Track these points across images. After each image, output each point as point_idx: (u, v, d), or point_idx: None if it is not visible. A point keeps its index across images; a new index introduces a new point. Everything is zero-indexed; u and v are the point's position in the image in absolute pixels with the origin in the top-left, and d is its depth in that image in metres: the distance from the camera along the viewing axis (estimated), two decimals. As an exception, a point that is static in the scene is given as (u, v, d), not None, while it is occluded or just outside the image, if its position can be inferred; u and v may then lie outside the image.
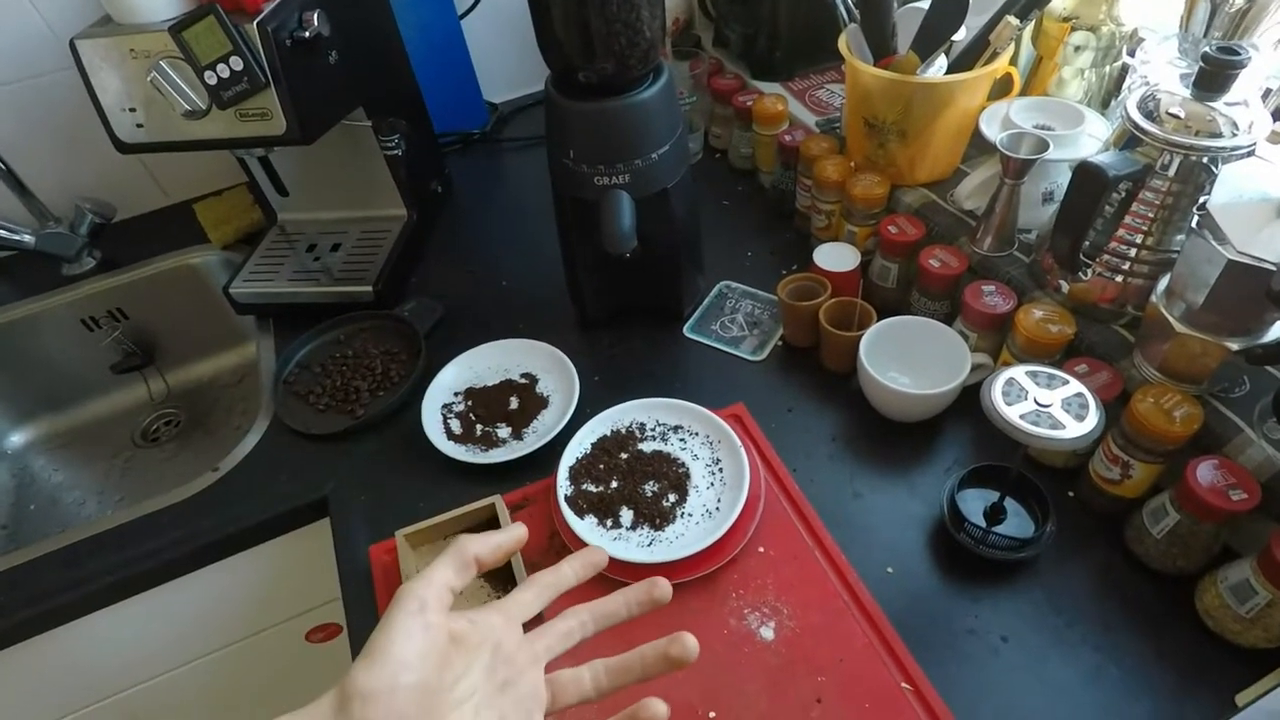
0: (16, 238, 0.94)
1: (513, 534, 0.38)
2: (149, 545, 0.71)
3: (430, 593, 0.33)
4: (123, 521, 0.73)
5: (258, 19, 0.67)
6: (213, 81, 0.68)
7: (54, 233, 0.96)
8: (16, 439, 1.02)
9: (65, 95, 0.94)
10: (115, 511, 0.90)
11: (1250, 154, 0.54)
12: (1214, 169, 0.54)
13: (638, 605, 0.39)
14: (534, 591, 0.38)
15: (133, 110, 0.73)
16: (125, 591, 0.72)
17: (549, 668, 0.37)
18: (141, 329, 1.03)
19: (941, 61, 0.74)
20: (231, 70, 0.67)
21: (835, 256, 0.77)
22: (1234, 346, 0.54)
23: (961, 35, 0.71)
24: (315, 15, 0.70)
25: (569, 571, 0.39)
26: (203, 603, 0.79)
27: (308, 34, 0.70)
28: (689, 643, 0.37)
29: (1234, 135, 0.53)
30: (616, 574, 0.61)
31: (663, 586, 0.39)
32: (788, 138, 0.88)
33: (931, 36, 0.71)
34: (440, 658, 0.32)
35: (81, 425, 1.04)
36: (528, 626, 0.37)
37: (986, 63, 0.70)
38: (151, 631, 0.80)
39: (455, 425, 0.75)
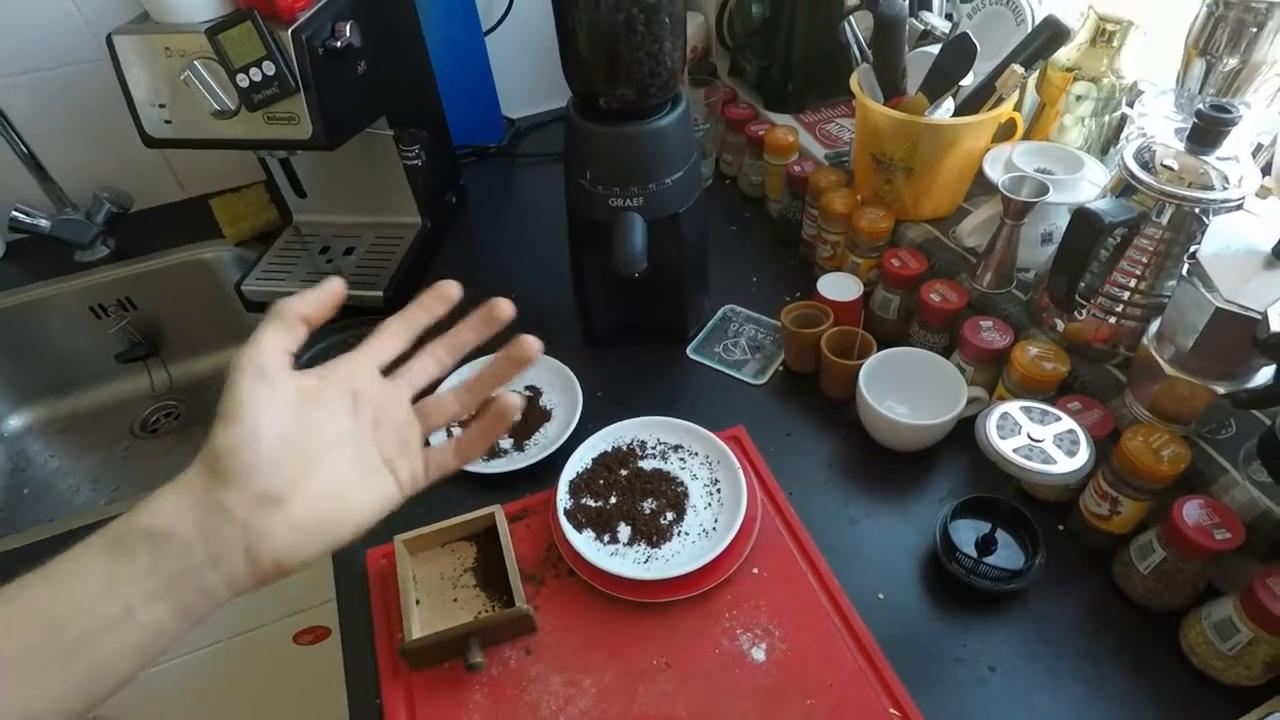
0: (33, 221, 0.95)
1: (330, 288, 0.37)
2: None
3: (264, 357, 0.34)
4: (118, 512, 0.72)
5: (292, 27, 0.69)
6: (244, 84, 0.70)
7: (70, 219, 0.98)
8: (15, 422, 1.02)
9: (93, 86, 0.96)
10: (109, 502, 0.90)
11: (1239, 207, 0.56)
12: (1205, 220, 0.56)
13: (482, 324, 0.39)
14: (386, 334, 0.38)
15: (162, 106, 0.74)
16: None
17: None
18: (149, 320, 1.03)
19: (949, 104, 0.77)
20: (264, 74, 0.69)
21: (838, 286, 0.79)
22: (1221, 390, 0.55)
23: (969, 80, 0.74)
24: (348, 26, 0.73)
25: (419, 311, 0.39)
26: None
27: (339, 44, 0.72)
28: (528, 341, 0.40)
29: (1225, 189, 0.56)
30: (613, 589, 0.62)
31: (501, 305, 0.39)
32: (797, 168, 0.90)
33: (940, 80, 0.74)
34: (294, 410, 0.33)
35: (82, 412, 1.04)
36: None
37: (992, 107, 0.73)
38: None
39: (458, 434, 0.75)
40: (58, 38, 0.93)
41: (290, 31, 0.69)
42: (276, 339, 0.34)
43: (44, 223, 0.96)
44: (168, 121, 0.75)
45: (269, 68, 0.69)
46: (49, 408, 1.04)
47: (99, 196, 0.99)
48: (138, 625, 0.30)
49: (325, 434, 0.34)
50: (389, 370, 0.39)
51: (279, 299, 0.36)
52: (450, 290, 0.40)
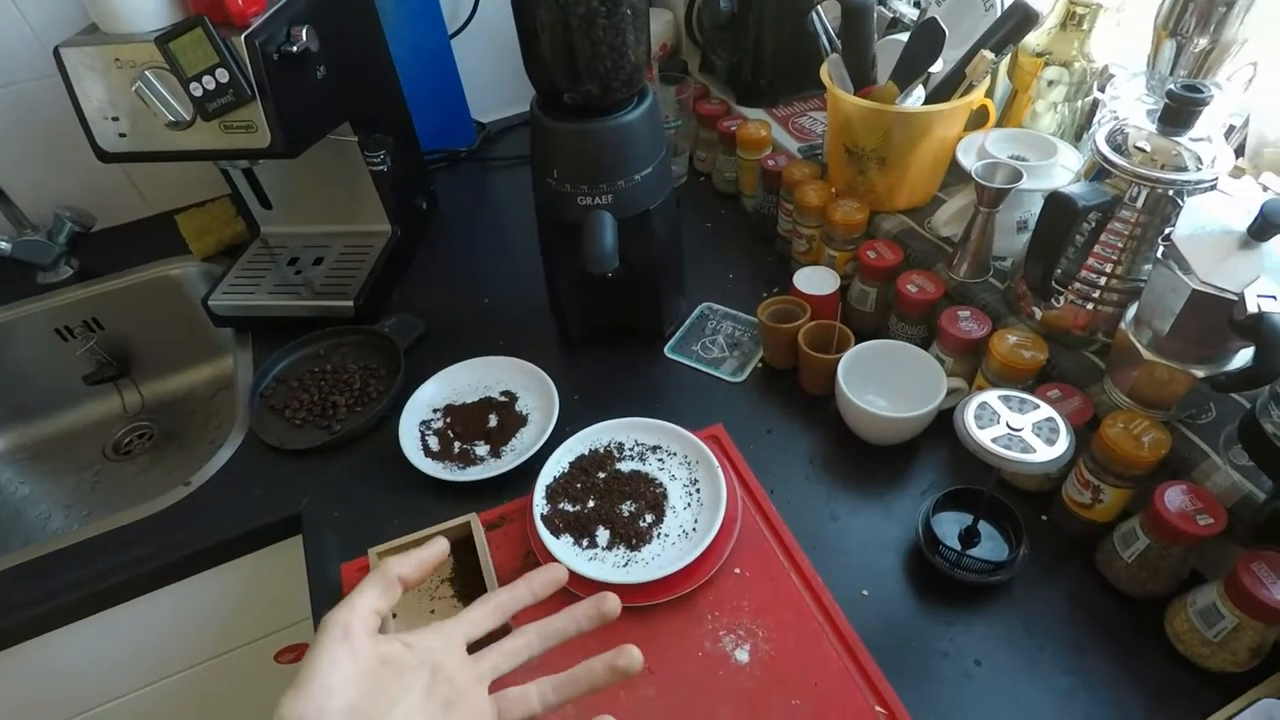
0: (-8, 245, 0.93)
1: (434, 549, 0.38)
2: (115, 560, 0.69)
3: (355, 618, 0.33)
4: (89, 535, 0.71)
5: (245, 32, 0.67)
6: (198, 93, 0.68)
7: (31, 240, 0.95)
8: (-17, 449, 1.00)
9: (48, 102, 0.93)
10: (81, 526, 0.88)
11: (1213, 188, 0.55)
12: (1179, 201, 0.56)
13: (586, 620, 0.38)
14: (484, 610, 0.38)
15: (116, 119, 0.72)
16: (90, 608, 0.70)
17: (496, 686, 0.37)
18: (117, 340, 1.01)
19: (920, 92, 0.76)
20: (217, 82, 0.67)
21: (815, 280, 0.78)
22: (1200, 374, 0.55)
23: (939, 67, 0.73)
24: (304, 30, 0.71)
25: (524, 590, 0.39)
26: (170, 620, 0.77)
27: (295, 48, 0.70)
28: (634, 655, 0.37)
29: (1198, 169, 0.55)
30: (591, 594, 0.60)
31: (611, 602, 0.38)
32: (770, 163, 0.89)
33: (910, 68, 0.73)
34: (371, 681, 0.32)
35: (51, 437, 1.02)
36: (477, 647, 0.37)
37: (963, 94, 0.72)
38: (115, 649, 0.78)
39: (433, 442, 0.74)
40: (7, 54, 0.90)
41: (243, 37, 0.67)
42: (370, 599, 0.34)
43: (4, 245, 0.94)
44: (122, 135, 0.73)
45: (222, 75, 0.67)
46: (17, 434, 1.01)
47: (60, 216, 0.97)
48: None
49: (395, 712, 0.33)
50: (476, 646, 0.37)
51: (387, 558, 0.36)
52: (560, 575, 0.40)
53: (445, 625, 0.37)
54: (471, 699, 0.35)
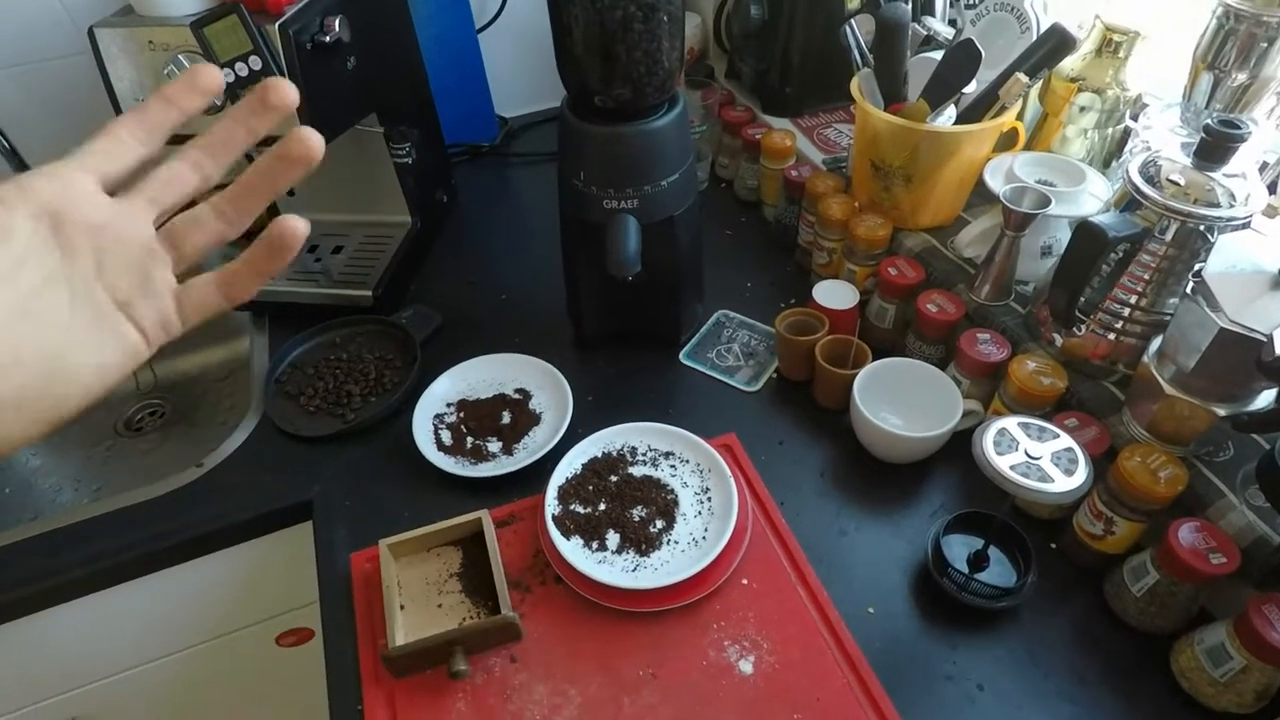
0: (15, 218, 0.93)
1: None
2: (126, 538, 0.70)
3: None
4: (101, 512, 0.72)
5: (280, 21, 0.67)
6: (230, 79, 0.68)
7: (54, 215, 0.96)
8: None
9: (75, 80, 0.93)
10: (91, 501, 0.88)
11: (1246, 225, 0.55)
12: (1210, 237, 0.55)
13: (254, 118, 0.30)
14: (107, 136, 0.29)
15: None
16: (98, 584, 0.71)
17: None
18: (134, 316, 1.02)
19: (950, 111, 0.76)
20: (250, 69, 0.68)
21: (834, 294, 0.78)
22: (1221, 412, 0.55)
23: (972, 88, 0.72)
24: (336, 21, 0.71)
25: (160, 103, 0.29)
26: (176, 600, 0.78)
27: (328, 39, 0.70)
28: (306, 135, 0.29)
29: (1231, 206, 0.55)
30: (601, 598, 0.61)
31: (278, 87, 0.29)
32: (794, 173, 0.89)
33: (943, 87, 0.73)
34: None
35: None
36: None
37: (994, 116, 0.72)
38: (121, 626, 0.78)
39: (446, 436, 0.75)
40: (38, 31, 0.91)
41: (277, 25, 0.67)
42: None
43: (27, 217, 0.94)
44: (152, 115, 0.73)
45: (255, 62, 0.67)
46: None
47: (83, 190, 0.97)
48: None
49: (20, 280, 0.26)
50: (124, 188, 0.29)
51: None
52: (208, 78, 0.29)
53: (56, 165, 0.28)
54: (129, 241, 0.28)
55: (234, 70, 0.68)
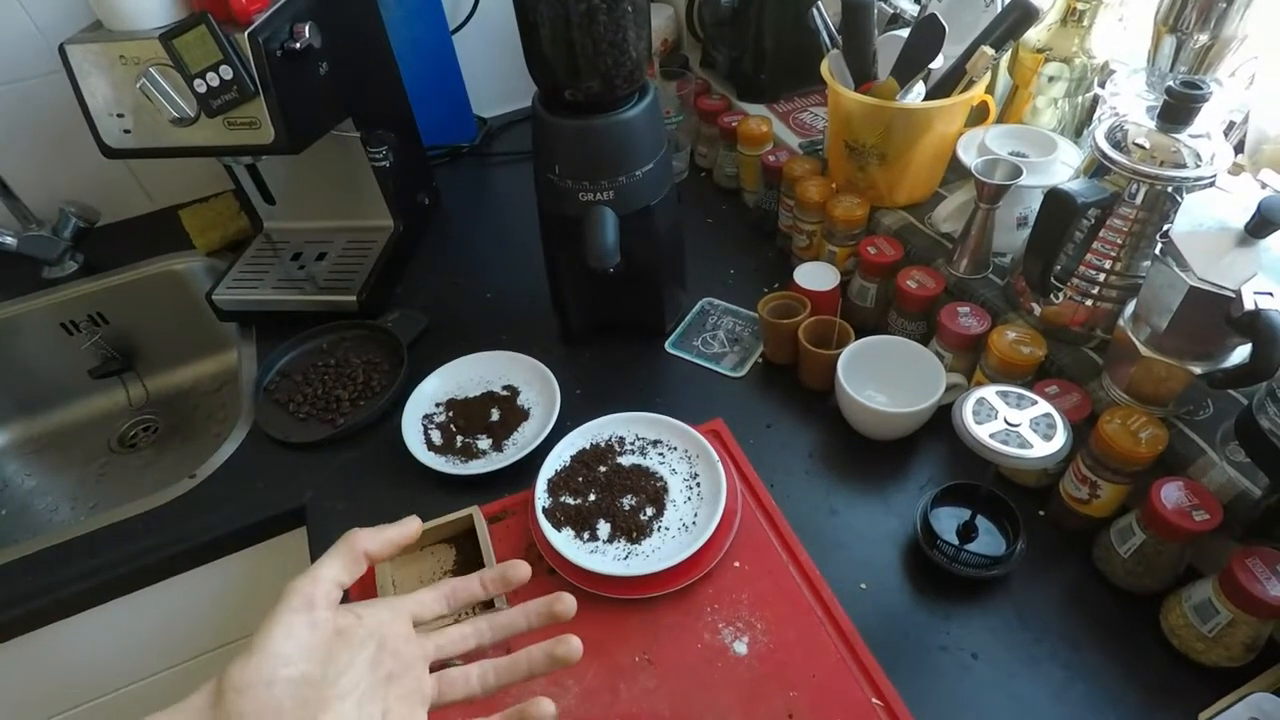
0: (-2, 240, 0.94)
1: (405, 528, 0.38)
2: (122, 552, 0.70)
3: (318, 590, 0.33)
4: (96, 527, 0.72)
5: (249, 29, 0.67)
6: (202, 90, 0.68)
7: (36, 235, 0.96)
8: (-11, 442, 1.01)
9: (53, 98, 0.94)
10: (88, 517, 0.89)
11: (1212, 184, 0.55)
12: (1178, 198, 0.56)
13: (537, 618, 0.38)
14: (435, 593, 0.38)
15: (120, 116, 0.73)
16: (95, 599, 0.71)
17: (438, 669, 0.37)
18: (122, 334, 1.02)
19: (920, 88, 0.76)
20: (221, 79, 0.68)
21: (815, 276, 0.78)
22: (1197, 370, 0.55)
23: (939, 63, 0.73)
24: (306, 27, 0.71)
25: (476, 584, 0.39)
26: (174, 611, 0.78)
27: (298, 45, 0.71)
28: (574, 644, 0.37)
29: (1197, 166, 0.55)
30: (592, 586, 0.61)
31: (565, 603, 0.38)
32: (771, 158, 0.89)
33: (910, 63, 0.73)
34: (324, 653, 0.32)
35: (57, 430, 1.03)
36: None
37: (963, 90, 0.72)
38: (120, 640, 0.79)
39: (436, 436, 0.75)
40: (13, 51, 0.91)
41: (247, 34, 0.67)
42: (335, 571, 0.34)
43: (9, 240, 0.94)
44: (127, 131, 0.74)
45: (226, 72, 0.68)
46: (23, 427, 1.02)
47: (65, 211, 0.97)
48: None
49: (339, 684, 0.33)
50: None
51: (353, 529, 0.35)
52: (520, 574, 0.39)
53: (395, 600, 0.37)
54: (413, 674, 0.36)
55: (205, 80, 0.68)
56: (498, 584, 0.39)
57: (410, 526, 0.38)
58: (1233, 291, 0.49)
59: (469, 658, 0.38)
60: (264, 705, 0.30)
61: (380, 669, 0.34)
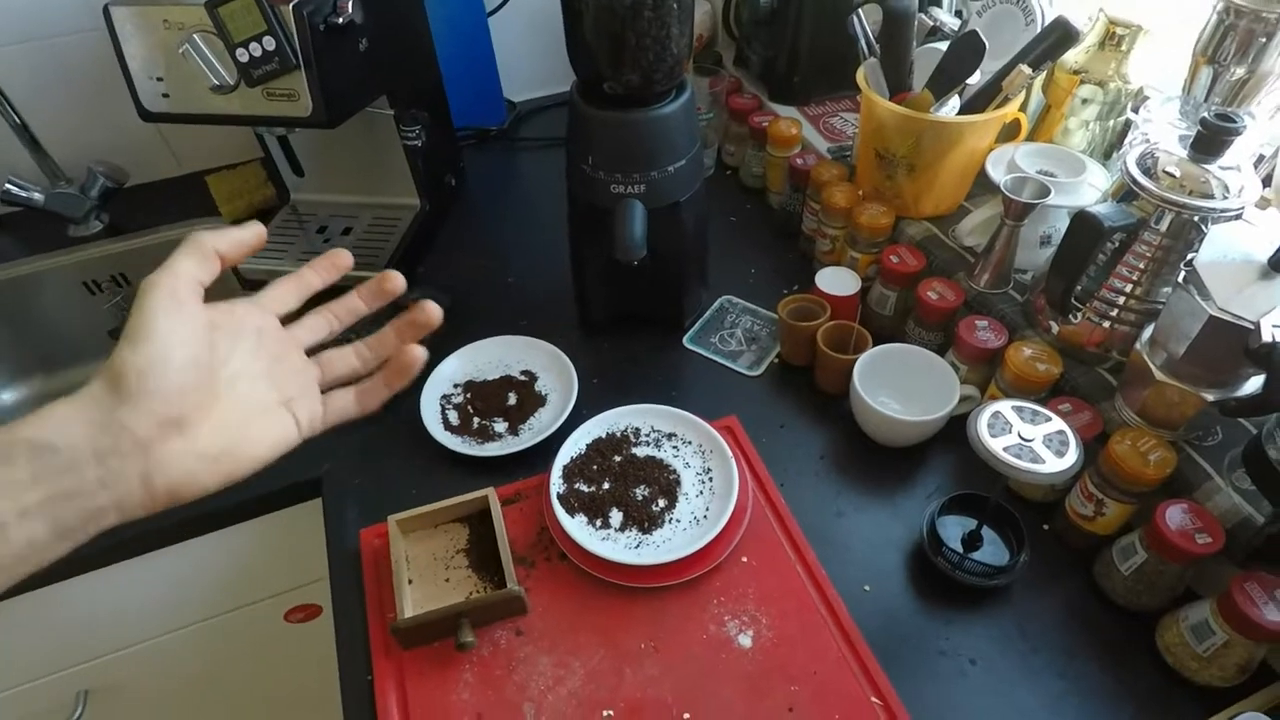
0: (26, 195, 0.94)
1: (250, 229, 0.37)
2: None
3: (179, 283, 0.33)
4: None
5: (294, 1, 0.68)
6: (244, 59, 0.69)
7: (64, 193, 0.97)
8: (7, 397, 1.02)
9: (88, 57, 0.94)
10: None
11: (1238, 217, 0.56)
12: (1204, 228, 0.57)
13: (370, 295, 0.41)
14: (282, 287, 0.40)
15: (160, 80, 0.73)
16: (109, 559, 0.72)
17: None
18: (143, 296, 1.03)
19: (954, 102, 0.77)
20: (264, 49, 0.68)
21: (836, 280, 0.79)
22: (1210, 398, 0.56)
23: (976, 79, 0.73)
24: (350, 2, 0.72)
25: (310, 273, 0.41)
26: (185, 575, 0.80)
27: (341, 20, 0.71)
28: (430, 308, 0.41)
29: (1225, 198, 0.56)
30: (604, 574, 0.62)
31: (393, 279, 0.41)
32: (799, 161, 0.90)
33: (947, 77, 0.74)
34: (204, 338, 0.34)
35: (75, 387, 1.01)
36: None
37: (997, 107, 0.73)
38: (131, 601, 0.80)
39: (453, 416, 0.76)
40: (52, 7, 0.91)
41: (291, 6, 0.68)
42: (192, 268, 0.34)
43: (37, 196, 0.95)
44: (165, 95, 0.74)
45: (269, 43, 0.68)
46: (41, 383, 1.03)
47: (93, 170, 0.98)
48: (7, 540, 0.28)
49: (231, 364, 0.35)
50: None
51: (201, 232, 0.35)
52: (342, 259, 0.41)
53: (255, 298, 0.39)
54: (293, 356, 0.39)
55: (248, 50, 0.69)
56: (328, 269, 0.41)
57: (254, 228, 0.38)
58: (1252, 323, 0.50)
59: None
60: (167, 385, 0.31)
61: (263, 353, 0.37)
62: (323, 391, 0.41)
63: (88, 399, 0.31)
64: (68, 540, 0.30)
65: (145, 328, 0.31)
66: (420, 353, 0.41)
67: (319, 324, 0.41)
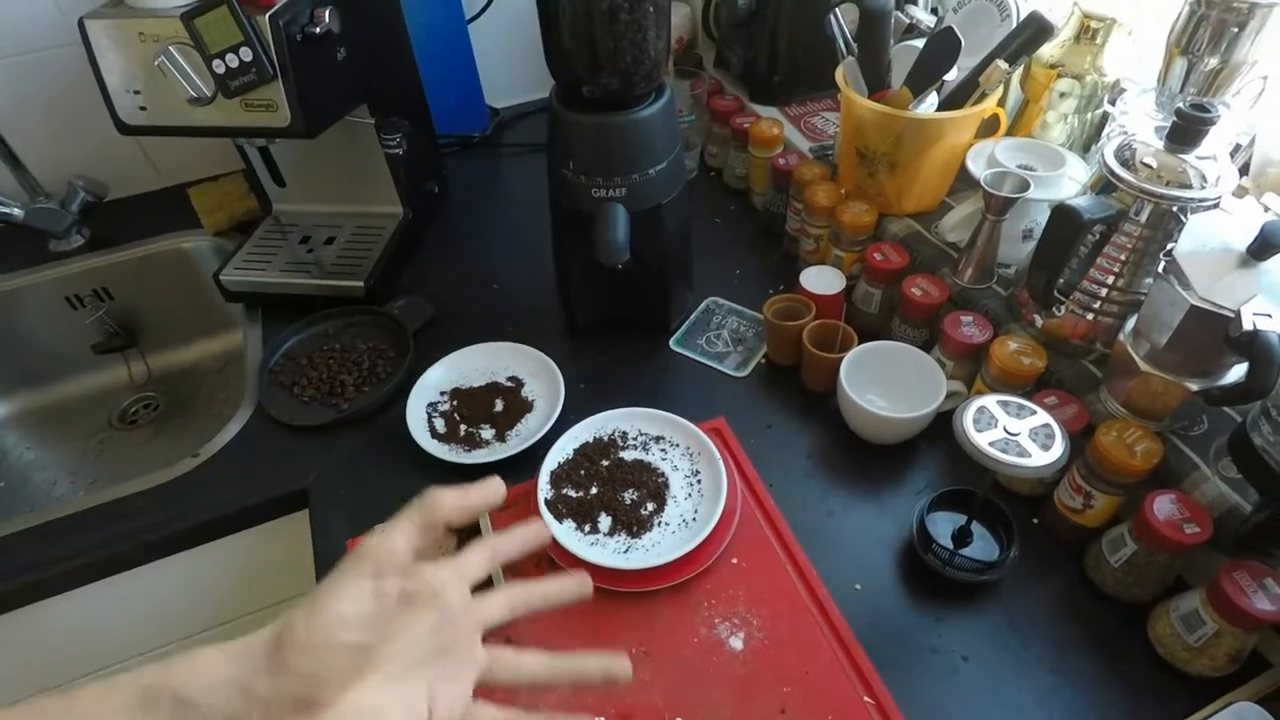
0: (6, 210, 0.93)
1: (488, 490, 0.36)
2: (123, 528, 0.71)
3: (389, 559, 0.33)
4: (99, 502, 0.72)
5: (270, 12, 0.68)
6: (221, 70, 0.69)
7: (44, 208, 0.96)
8: (-10, 413, 1.01)
9: (65, 71, 0.94)
10: (87, 493, 0.89)
11: (1216, 206, 0.56)
12: (1182, 218, 0.57)
13: (567, 594, 0.39)
14: (484, 555, 0.37)
15: (137, 93, 0.73)
16: (94, 575, 0.71)
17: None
18: (126, 310, 1.02)
19: (933, 98, 0.77)
20: (240, 60, 0.68)
21: (821, 279, 0.79)
22: (1194, 387, 0.56)
23: (953, 75, 0.74)
24: (327, 11, 0.71)
25: (515, 542, 0.39)
26: (172, 591, 0.79)
27: (318, 30, 0.71)
28: (627, 667, 0.38)
29: (1202, 187, 0.56)
30: (593, 579, 0.61)
31: (588, 584, 0.39)
32: (781, 161, 0.90)
33: (925, 74, 0.74)
34: (385, 621, 0.32)
35: (58, 404, 1.03)
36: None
37: (975, 102, 0.73)
38: (117, 617, 0.79)
39: (439, 424, 0.76)
40: (28, 22, 0.91)
41: (268, 17, 0.68)
42: (410, 538, 0.34)
43: (17, 211, 0.94)
44: (143, 108, 0.74)
45: (246, 54, 0.68)
46: (25, 399, 1.02)
47: (73, 185, 0.97)
48: None
49: (394, 647, 0.32)
50: None
51: (433, 489, 0.34)
52: (546, 534, 0.39)
53: (456, 563, 0.36)
54: (466, 646, 0.35)
55: (224, 61, 0.68)
56: (532, 540, 0.39)
57: (492, 486, 0.36)
58: (1232, 312, 0.50)
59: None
60: (320, 665, 0.30)
61: (437, 638, 0.34)
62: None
63: (241, 658, 0.30)
64: None
65: (326, 603, 0.31)
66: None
67: (515, 602, 0.37)
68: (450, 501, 0.35)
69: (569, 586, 0.39)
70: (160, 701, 0.30)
